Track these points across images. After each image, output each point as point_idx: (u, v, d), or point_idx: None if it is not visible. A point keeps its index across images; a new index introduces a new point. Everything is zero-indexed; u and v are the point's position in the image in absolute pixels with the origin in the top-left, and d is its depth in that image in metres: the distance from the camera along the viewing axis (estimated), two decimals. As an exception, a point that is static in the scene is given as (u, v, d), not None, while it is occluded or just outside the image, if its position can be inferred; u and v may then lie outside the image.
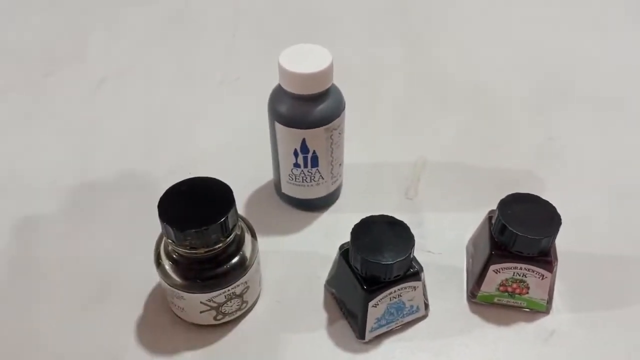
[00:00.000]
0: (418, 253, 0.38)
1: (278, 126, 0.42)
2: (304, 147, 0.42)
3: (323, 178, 0.45)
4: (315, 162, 0.43)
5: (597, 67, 0.63)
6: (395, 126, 0.56)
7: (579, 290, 0.42)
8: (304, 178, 0.44)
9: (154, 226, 0.36)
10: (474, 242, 0.43)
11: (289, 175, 0.44)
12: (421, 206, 0.48)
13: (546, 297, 0.39)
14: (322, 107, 0.40)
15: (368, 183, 0.50)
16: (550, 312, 0.40)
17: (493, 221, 0.39)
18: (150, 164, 0.51)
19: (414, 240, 0.36)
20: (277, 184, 0.47)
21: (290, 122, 0.41)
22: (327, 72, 0.39)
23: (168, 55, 0.65)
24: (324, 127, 0.41)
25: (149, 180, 0.49)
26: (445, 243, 0.45)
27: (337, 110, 0.41)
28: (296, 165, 0.43)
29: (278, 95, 0.41)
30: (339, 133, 0.43)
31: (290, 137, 0.42)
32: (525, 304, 0.40)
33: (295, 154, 0.42)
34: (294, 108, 0.41)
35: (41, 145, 0.54)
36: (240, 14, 0.71)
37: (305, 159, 0.43)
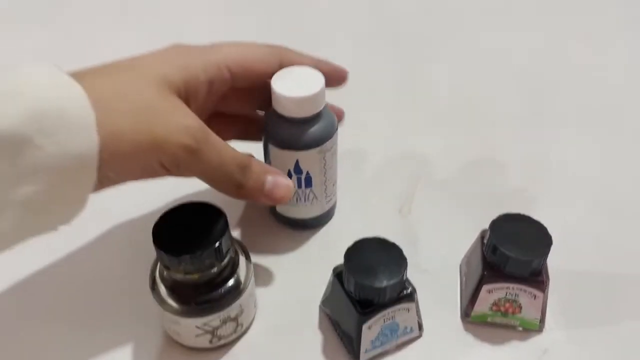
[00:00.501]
0: (412, 271, 0.38)
1: (272, 148, 0.42)
2: (298, 168, 0.42)
3: (317, 198, 0.45)
4: (309, 182, 0.43)
5: (589, 84, 0.63)
6: (387, 144, 0.56)
7: (571, 307, 0.42)
8: (298, 198, 0.44)
9: (150, 249, 0.36)
10: (467, 260, 0.43)
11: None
12: (415, 224, 0.48)
13: (539, 315, 0.39)
14: (315, 129, 0.41)
15: (362, 201, 0.50)
16: (543, 330, 0.40)
17: (485, 241, 0.39)
18: (145, 185, 0.51)
19: (406, 262, 0.36)
20: (272, 209, 0.47)
21: (284, 144, 0.41)
22: (320, 95, 0.40)
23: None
24: (317, 148, 0.41)
25: (145, 201, 0.49)
26: (438, 261, 0.45)
27: (330, 132, 0.42)
28: None
29: (271, 117, 0.42)
30: (332, 154, 0.43)
31: (283, 159, 0.42)
32: (518, 323, 0.40)
33: (289, 174, 0.43)
34: (287, 130, 0.41)
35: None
36: (233, 31, 0.71)
37: (299, 179, 0.43)
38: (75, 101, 0.29)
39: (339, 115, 0.47)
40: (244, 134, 0.45)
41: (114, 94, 0.31)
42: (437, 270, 0.45)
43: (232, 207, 0.38)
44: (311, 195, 0.44)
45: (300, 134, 0.41)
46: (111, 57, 0.35)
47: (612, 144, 0.56)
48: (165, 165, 0.33)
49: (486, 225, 0.42)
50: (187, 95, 0.36)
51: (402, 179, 0.52)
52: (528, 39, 0.70)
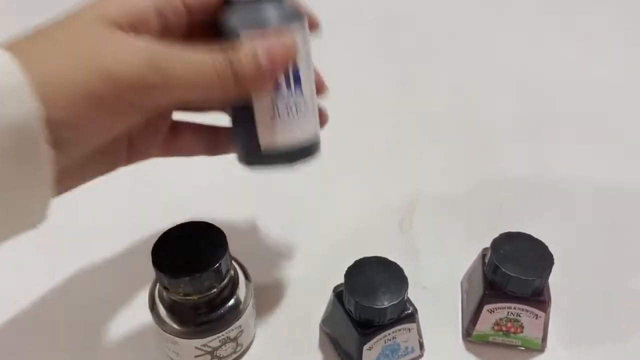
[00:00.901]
0: (412, 288, 0.37)
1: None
2: None
3: (308, 108, 0.34)
4: (298, 82, 0.33)
5: (592, 100, 0.63)
6: (387, 159, 0.56)
7: (573, 326, 0.42)
8: (289, 109, 0.33)
9: (149, 268, 0.36)
10: (469, 278, 0.43)
11: (270, 114, 0.33)
12: (415, 239, 0.48)
13: (541, 335, 0.39)
14: (289, 2, 0.33)
15: (362, 216, 0.50)
16: (545, 349, 0.40)
17: (486, 260, 0.39)
18: (143, 201, 0.51)
19: (407, 283, 0.36)
20: (249, 148, 0.34)
21: (258, 21, 0.31)
22: None
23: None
24: (300, 22, 0.33)
25: (143, 218, 0.49)
26: (439, 277, 0.45)
27: (301, 11, 0.34)
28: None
29: (233, 5, 0.32)
30: (309, 50, 0.34)
31: None
32: (520, 343, 0.40)
33: None
34: (259, 5, 0.32)
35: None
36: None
37: (286, 79, 0.33)
38: (3, 69, 0.25)
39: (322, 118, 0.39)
40: (214, 147, 0.39)
41: (49, 47, 0.27)
42: (437, 287, 0.44)
43: (230, 225, 0.38)
44: (302, 105, 0.34)
45: (276, 6, 0.32)
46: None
47: (614, 158, 0.56)
48: (133, 101, 0.28)
49: (487, 241, 0.41)
50: (135, 32, 0.30)
51: (402, 193, 0.52)
52: (535, 51, 0.70)
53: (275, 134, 0.33)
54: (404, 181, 0.53)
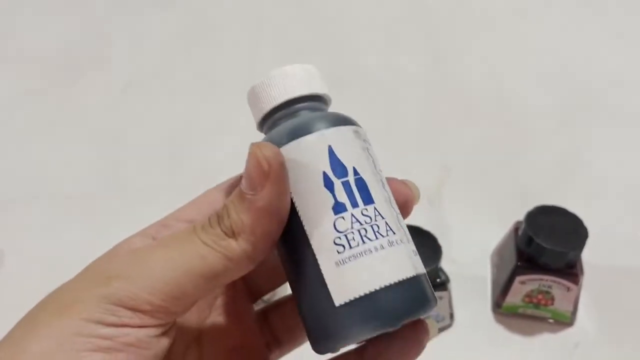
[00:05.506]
0: (442, 262, 0.38)
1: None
2: (336, 163, 0.22)
3: (391, 229, 0.22)
4: (364, 190, 0.22)
5: (623, 80, 0.62)
6: (418, 135, 0.56)
7: (603, 302, 0.42)
8: (362, 233, 0.21)
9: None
10: (499, 252, 0.43)
11: (333, 243, 0.21)
12: (444, 214, 0.48)
13: (571, 308, 0.39)
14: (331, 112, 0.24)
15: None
16: (575, 323, 0.40)
17: (519, 232, 0.39)
18: (176, 170, 0.52)
19: (441, 251, 0.36)
20: (321, 311, 0.21)
21: (294, 132, 0.22)
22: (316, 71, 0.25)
23: (192, 61, 0.65)
24: (351, 127, 0.23)
25: (176, 186, 0.49)
26: (468, 252, 0.45)
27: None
28: (339, 207, 0.21)
29: (266, 126, 0.24)
30: (374, 158, 0.24)
31: (305, 159, 0.22)
32: (550, 315, 0.40)
33: (328, 183, 0.22)
34: (296, 118, 0.23)
35: (66, 151, 0.54)
36: (264, 22, 0.71)
37: (346, 188, 0.22)
38: None
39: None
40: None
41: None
42: (466, 261, 0.44)
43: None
44: (382, 223, 0.22)
45: (316, 114, 0.23)
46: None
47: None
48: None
49: (516, 218, 0.42)
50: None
51: (432, 169, 0.52)
52: (567, 33, 0.69)
53: (345, 275, 0.21)
54: (433, 157, 0.53)
